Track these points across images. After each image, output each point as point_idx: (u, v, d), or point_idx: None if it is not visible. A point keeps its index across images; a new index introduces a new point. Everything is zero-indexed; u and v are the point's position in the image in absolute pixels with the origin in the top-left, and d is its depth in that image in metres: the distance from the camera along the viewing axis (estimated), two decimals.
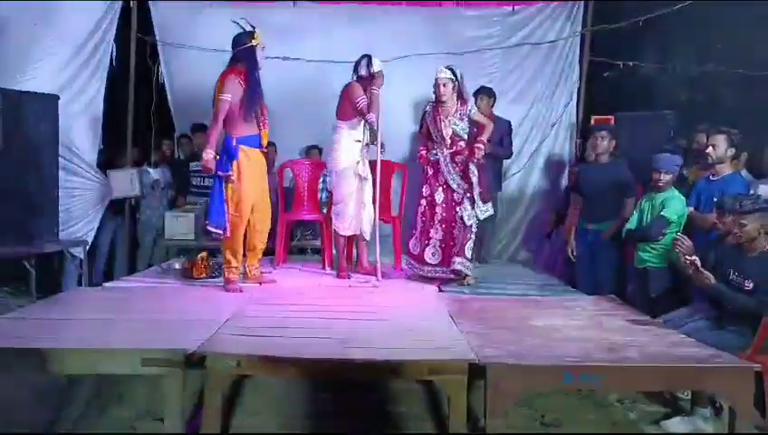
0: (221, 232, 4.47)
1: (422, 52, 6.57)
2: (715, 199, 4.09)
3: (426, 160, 5.09)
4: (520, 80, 6.90)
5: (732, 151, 4.32)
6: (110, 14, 6.39)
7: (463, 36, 6.81)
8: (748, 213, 3.61)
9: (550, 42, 6.84)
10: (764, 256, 3.61)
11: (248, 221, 4.64)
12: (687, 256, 3.69)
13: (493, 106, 6.14)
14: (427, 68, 6.48)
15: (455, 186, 4.95)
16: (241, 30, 4.52)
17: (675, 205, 4.39)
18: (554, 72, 6.90)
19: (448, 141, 4.96)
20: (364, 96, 4.91)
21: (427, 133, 5.13)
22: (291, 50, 6.46)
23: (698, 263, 3.66)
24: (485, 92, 6.10)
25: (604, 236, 5.04)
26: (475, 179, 4.94)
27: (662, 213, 4.39)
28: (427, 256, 5.01)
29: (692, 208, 4.45)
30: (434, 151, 5.04)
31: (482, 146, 4.93)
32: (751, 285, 3.56)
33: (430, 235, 5.00)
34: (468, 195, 4.93)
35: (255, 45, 4.46)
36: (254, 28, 4.52)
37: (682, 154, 4.79)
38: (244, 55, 4.47)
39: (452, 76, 4.94)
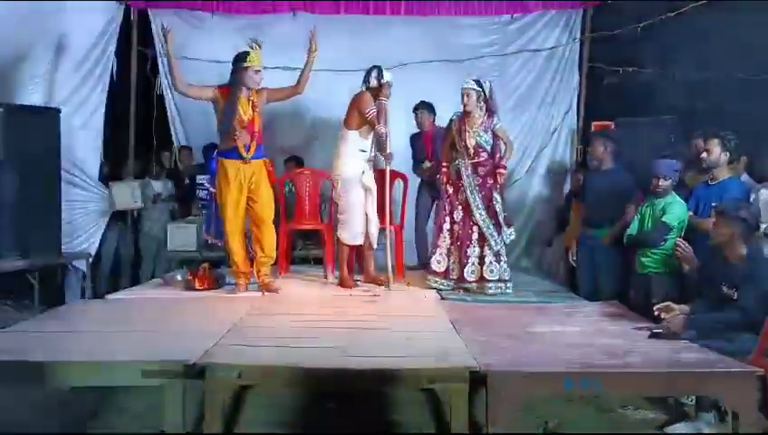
0: (216, 240, 4.67)
1: (421, 60, 6.60)
2: (714, 204, 4.10)
3: (447, 179, 5.14)
4: (519, 87, 6.93)
5: (726, 156, 4.33)
6: (110, 28, 6.44)
7: (462, 44, 6.85)
8: (727, 217, 3.65)
9: (549, 48, 6.86)
10: (743, 265, 3.62)
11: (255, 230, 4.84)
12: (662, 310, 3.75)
13: (434, 120, 6.06)
14: (426, 76, 6.58)
15: (477, 214, 4.98)
16: (248, 48, 4.70)
17: (675, 210, 4.39)
18: (554, 79, 6.92)
19: (471, 151, 5.00)
20: (374, 107, 4.92)
21: (451, 144, 5.17)
22: (291, 60, 6.46)
23: (666, 313, 3.71)
24: (425, 108, 6.06)
25: (604, 242, 5.04)
26: (498, 207, 5.00)
27: (663, 219, 4.38)
28: (467, 273, 5.02)
29: (691, 213, 4.45)
30: (456, 162, 5.09)
31: (503, 171, 5.07)
32: (737, 295, 3.58)
33: (468, 253, 5.01)
34: (494, 221, 4.99)
35: (248, 67, 4.65)
36: (252, 47, 4.68)
37: (682, 159, 4.78)
38: (234, 75, 4.70)
39: (477, 87, 4.98)
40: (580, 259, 5.34)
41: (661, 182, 4.44)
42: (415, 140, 6.23)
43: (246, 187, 4.75)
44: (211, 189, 4.73)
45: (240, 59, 4.66)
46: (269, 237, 4.89)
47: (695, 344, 3.44)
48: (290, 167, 6.55)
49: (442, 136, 5.42)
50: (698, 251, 4.02)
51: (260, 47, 4.70)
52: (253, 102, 4.74)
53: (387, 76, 4.99)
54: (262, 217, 4.84)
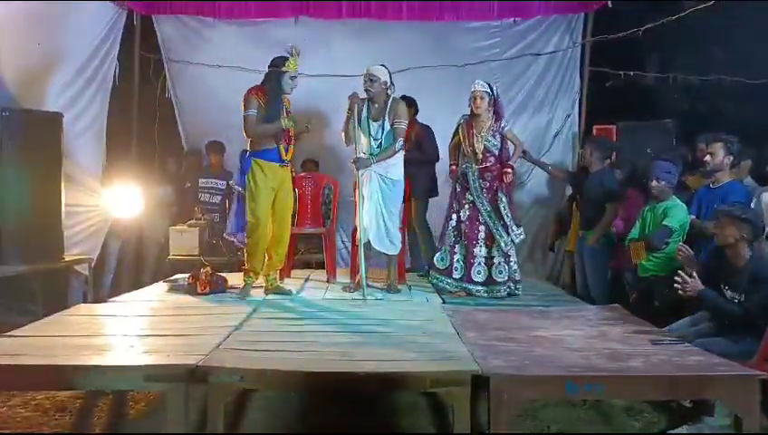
0: (237, 240, 4.82)
1: (423, 64, 6.62)
2: (716, 207, 4.11)
3: (455, 176, 5.13)
4: (521, 91, 6.94)
5: (729, 159, 4.33)
6: (113, 32, 6.45)
7: (464, 48, 6.87)
8: (734, 219, 3.65)
9: (550, 52, 6.88)
10: (747, 268, 3.62)
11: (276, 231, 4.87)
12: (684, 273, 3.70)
13: (415, 115, 5.92)
14: (428, 81, 6.59)
15: (483, 210, 4.97)
16: (287, 53, 4.71)
17: (676, 213, 4.39)
18: (555, 83, 6.94)
19: (479, 156, 4.97)
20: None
21: (457, 146, 5.14)
22: None
23: (685, 278, 3.67)
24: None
25: (588, 243, 5.08)
26: (503, 206, 4.96)
27: (664, 222, 4.39)
28: (474, 274, 5.01)
29: (693, 216, 4.45)
30: (464, 165, 5.07)
31: (510, 171, 5.00)
32: (739, 298, 3.60)
33: (474, 253, 5.00)
34: (501, 222, 4.96)
35: (285, 72, 4.67)
36: (291, 54, 4.69)
37: (683, 162, 4.80)
38: (270, 77, 4.73)
39: (488, 90, 4.95)
40: (576, 261, 5.37)
41: (654, 184, 4.46)
42: None
43: (278, 189, 4.81)
44: (240, 189, 4.76)
45: (278, 63, 4.70)
46: (287, 240, 4.99)
47: (696, 348, 3.44)
48: (310, 168, 6.60)
49: (452, 135, 5.38)
50: (699, 254, 4.02)
51: (298, 54, 4.71)
52: (286, 108, 4.82)
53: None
54: (285, 218, 4.91)
